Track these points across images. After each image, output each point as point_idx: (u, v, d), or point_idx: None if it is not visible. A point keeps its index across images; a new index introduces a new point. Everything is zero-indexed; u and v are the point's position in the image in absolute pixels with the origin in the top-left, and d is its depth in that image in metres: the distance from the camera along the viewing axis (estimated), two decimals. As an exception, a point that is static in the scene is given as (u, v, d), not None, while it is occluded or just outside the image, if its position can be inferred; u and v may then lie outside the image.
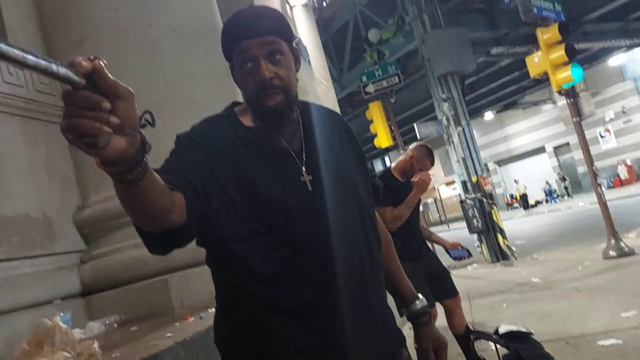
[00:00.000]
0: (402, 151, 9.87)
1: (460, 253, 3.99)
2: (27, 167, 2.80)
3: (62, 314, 2.34)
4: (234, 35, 1.21)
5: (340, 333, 1.15)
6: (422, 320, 1.41)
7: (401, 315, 1.45)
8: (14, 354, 1.75)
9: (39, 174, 2.86)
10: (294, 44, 1.28)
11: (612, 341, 3.67)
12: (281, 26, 1.23)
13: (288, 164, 1.21)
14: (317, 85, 6.26)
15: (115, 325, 2.57)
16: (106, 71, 0.71)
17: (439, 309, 3.51)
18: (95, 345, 1.75)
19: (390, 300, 1.35)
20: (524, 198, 25.12)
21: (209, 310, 2.32)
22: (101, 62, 0.70)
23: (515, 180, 26.91)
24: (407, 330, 1.42)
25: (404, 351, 1.33)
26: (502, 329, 3.08)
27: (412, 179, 3.29)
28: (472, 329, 3.49)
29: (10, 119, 2.77)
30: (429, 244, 3.95)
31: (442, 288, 3.43)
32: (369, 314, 1.22)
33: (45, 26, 3.15)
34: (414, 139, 8.92)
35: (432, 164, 3.55)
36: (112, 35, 3.02)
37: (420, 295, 1.44)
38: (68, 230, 2.97)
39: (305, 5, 6.71)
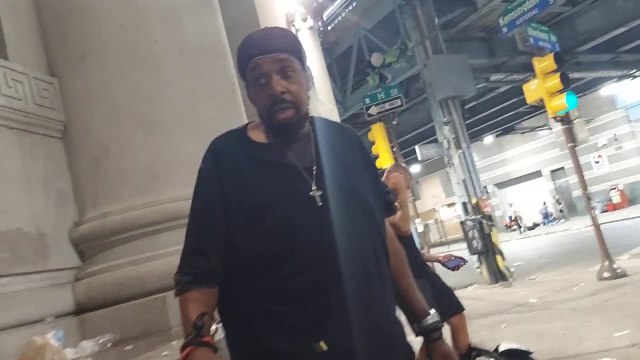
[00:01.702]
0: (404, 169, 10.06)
1: (456, 262, 3.99)
2: (23, 181, 2.70)
3: (54, 332, 2.23)
4: (247, 53, 1.25)
5: (349, 349, 1.15)
6: (433, 336, 1.37)
7: (413, 331, 1.41)
8: (2, 374, 1.61)
9: (34, 188, 2.77)
10: (306, 64, 1.31)
11: None
12: (293, 45, 1.27)
13: (297, 181, 1.22)
14: (320, 106, 6.31)
15: (110, 345, 2.47)
16: None
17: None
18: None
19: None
20: (517, 221, 25.55)
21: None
22: None
23: (509, 204, 27.35)
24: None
25: None
26: (503, 347, 3.13)
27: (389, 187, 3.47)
28: (474, 346, 3.50)
29: (6, 131, 2.68)
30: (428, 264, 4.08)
31: (449, 304, 3.46)
32: (377, 330, 1.21)
33: (47, 41, 3.09)
34: (415, 160, 9.13)
35: (403, 173, 3.67)
36: (117, 51, 2.98)
37: (432, 311, 1.40)
38: (63, 247, 2.87)
39: (311, 29, 6.85)
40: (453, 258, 4.01)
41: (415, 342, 1.40)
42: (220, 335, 1.22)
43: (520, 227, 25.06)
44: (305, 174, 1.23)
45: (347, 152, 1.33)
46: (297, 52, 1.27)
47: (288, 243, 1.16)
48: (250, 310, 1.17)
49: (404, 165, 3.83)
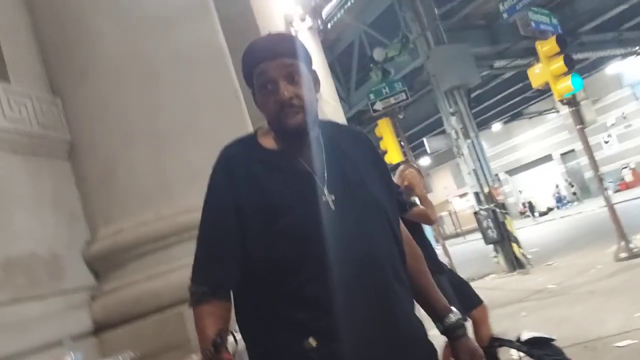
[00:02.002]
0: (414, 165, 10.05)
1: None
2: (32, 204, 2.68)
3: (72, 355, 2.22)
4: (253, 59, 1.24)
5: (370, 352, 1.15)
6: (457, 333, 1.36)
7: (438, 329, 1.40)
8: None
9: (44, 210, 2.74)
10: (312, 68, 1.30)
11: (629, 341, 3.75)
12: (298, 49, 1.25)
13: (309, 186, 1.21)
14: (324, 105, 6.26)
15: None
16: None
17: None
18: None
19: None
20: (529, 206, 25.37)
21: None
22: None
23: (519, 191, 27.17)
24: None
25: None
26: (525, 336, 3.10)
27: (405, 184, 3.57)
28: (495, 337, 3.45)
29: (13, 156, 2.66)
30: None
31: (468, 298, 3.43)
32: (397, 331, 1.20)
33: (47, 60, 3.08)
34: (424, 153, 9.10)
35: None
36: (116, 66, 2.97)
37: (453, 308, 1.40)
38: (77, 267, 2.85)
39: (310, 28, 6.83)
40: None
41: (437, 336, 1.40)
42: (234, 346, 1.22)
43: (533, 213, 24.84)
44: (318, 179, 1.22)
45: (357, 154, 1.32)
46: (303, 56, 1.26)
47: (303, 249, 1.16)
48: (268, 316, 1.18)
49: (412, 162, 3.86)
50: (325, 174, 1.24)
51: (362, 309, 1.16)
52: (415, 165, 3.84)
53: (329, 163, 1.26)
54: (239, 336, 1.25)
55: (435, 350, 1.33)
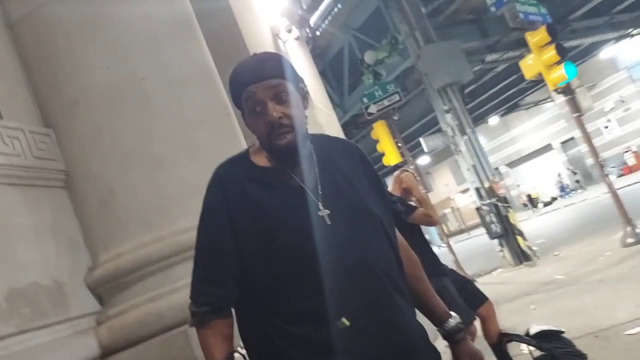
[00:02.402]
0: (412, 167, 10.06)
1: None
2: (33, 235, 2.72)
3: None
4: (240, 82, 1.26)
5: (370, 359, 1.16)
6: (457, 337, 1.39)
7: (439, 333, 1.43)
8: None
9: (45, 240, 2.79)
10: (299, 84, 1.32)
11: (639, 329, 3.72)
12: (285, 69, 1.27)
13: (304, 201, 1.23)
14: (317, 113, 6.27)
15: None
16: None
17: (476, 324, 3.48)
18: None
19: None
20: (529, 199, 25.27)
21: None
22: None
23: (517, 185, 27.19)
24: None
25: None
26: (533, 330, 3.09)
27: (403, 187, 3.59)
28: (504, 332, 3.47)
29: (10, 189, 2.70)
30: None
31: (473, 297, 3.45)
32: (400, 340, 1.21)
33: (37, 92, 3.12)
34: (422, 152, 9.09)
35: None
36: (107, 93, 3.01)
37: (453, 313, 1.42)
38: (81, 293, 2.88)
39: (297, 39, 6.83)
40: None
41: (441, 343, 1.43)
42: None
43: (534, 205, 24.71)
44: (312, 194, 1.24)
45: (350, 166, 1.34)
46: (290, 74, 1.28)
47: (301, 265, 1.17)
48: (269, 331, 1.19)
49: (407, 166, 3.88)
50: (320, 189, 1.25)
51: (363, 320, 1.17)
52: (410, 169, 3.86)
53: (323, 177, 1.27)
54: (244, 351, 1.27)
55: (439, 354, 1.35)
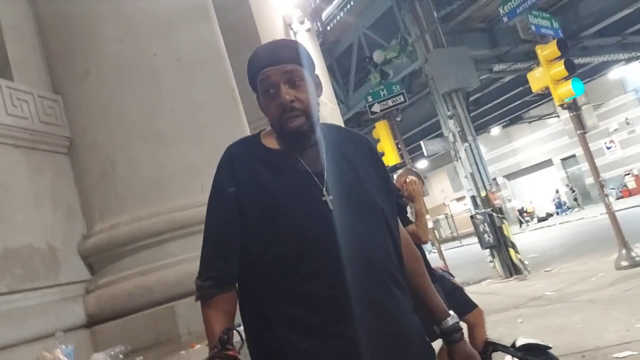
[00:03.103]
0: (414, 170, 10.02)
1: None
2: (32, 198, 2.76)
3: (63, 347, 2.27)
4: (256, 66, 1.31)
5: (364, 350, 1.17)
6: (454, 337, 1.39)
7: (434, 332, 1.43)
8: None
9: (43, 204, 2.82)
10: (314, 72, 1.36)
11: (628, 352, 3.65)
12: (300, 55, 1.31)
13: (309, 185, 1.26)
14: (322, 107, 6.40)
15: (121, 356, 2.50)
16: None
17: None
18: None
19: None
20: (520, 213, 25.17)
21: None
22: None
23: (508, 199, 27.12)
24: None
25: None
26: (520, 342, 3.07)
27: (404, 193, 3.48)
28: (490, 341, 3.55)
29: (14, 150, 2.75)
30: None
31: (462, 303, 3.43)
32: (393, 330, 1.23)
33: (50, 60, 3.16)
34: (422, 156, 9.06)
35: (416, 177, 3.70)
36: (118, 65, 3.06)
37: (451, 312, 1.43)
38: (73, 260, 2.92)
39: (309, 31, 6.85)
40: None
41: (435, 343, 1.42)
42: (240, 343, 1.27)
43: (527, 221, 24.26)
44: (317, 179, 1.27)
45: (357, 156, 1.37)
46: (305, 61, 1.32)
47: (301, 247, 1.20)
48: (267, 311, 1.21)
49: (414, 170, 3.78)
50: (325, 175, 1.28)
51: (359, 306, 1.19)
52: (415, 171, 3.78)
53: (329, 164, 1.31)
54: (242, 329, 1.30)
55: (433, 351, 1.36)
